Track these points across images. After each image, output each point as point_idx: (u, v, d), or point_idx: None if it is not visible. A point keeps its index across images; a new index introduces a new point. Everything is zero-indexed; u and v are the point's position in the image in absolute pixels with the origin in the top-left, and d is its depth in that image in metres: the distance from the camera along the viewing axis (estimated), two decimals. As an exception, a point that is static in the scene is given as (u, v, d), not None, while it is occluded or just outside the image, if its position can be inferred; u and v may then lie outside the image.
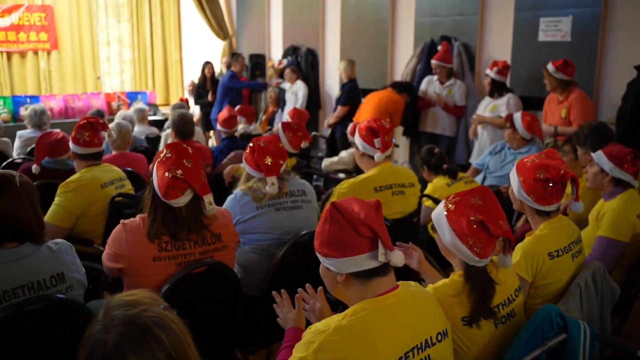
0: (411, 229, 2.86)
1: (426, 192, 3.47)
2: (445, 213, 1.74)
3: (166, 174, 2.01)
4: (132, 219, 2.14)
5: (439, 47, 5.73)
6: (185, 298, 2.12)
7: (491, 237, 1.66)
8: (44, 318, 1.78)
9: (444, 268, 2.31)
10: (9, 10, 9.18)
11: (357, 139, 2.82)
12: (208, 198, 2.11)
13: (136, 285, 2.08)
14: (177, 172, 2.01)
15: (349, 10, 7.20)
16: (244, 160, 2.64)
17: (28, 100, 7.69)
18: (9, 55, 9.36)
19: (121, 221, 2.13)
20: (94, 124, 3.24)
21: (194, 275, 2.12)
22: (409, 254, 2.16)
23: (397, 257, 1.43)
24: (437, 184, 3.51)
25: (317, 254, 1.53)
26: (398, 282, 1.54)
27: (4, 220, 1.84)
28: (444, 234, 1.74)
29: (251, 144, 2.59)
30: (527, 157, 2.21)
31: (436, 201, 3.15)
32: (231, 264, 2.31)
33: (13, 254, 1.84)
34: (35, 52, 9.57)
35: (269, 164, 2.50)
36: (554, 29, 5.19)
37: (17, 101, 7.70)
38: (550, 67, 4.42)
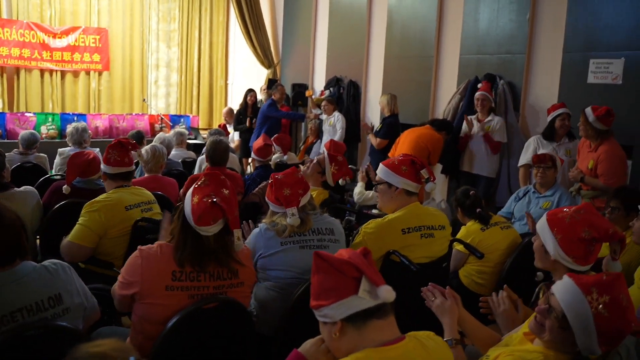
0: (440, 275, 2.69)
1: (458, 235, 3.30)
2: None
3: (204, 199, 1.98)
4: (149, 245, 2.09)
5: (479, 85, 5.59)
6: (194, 333, 2.03)
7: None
8: (41, 344, 1.72)
9: (480, 320, 2.14)
10: (67, 32, 9.55)
11: (392, 176, 2.68)
12: (237, 233, 2.06)
13: (146, 315, 2.02)
14: (217, 199, 1.98)
15: (394, 43, 7.15)
16: (266, 198, 2.57)
17: (75, 118, 7.90)
18: (63, 74, 9.69)
19: (138, 247, 2.08)
20: (124, 144, 3.25)
21: (205, 310, 2.03)
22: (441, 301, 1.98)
23: (385, 292, 1.35)
24: (470, 227, 3.34)
25: (314, 312, 1.45)
26: (405, 334, 1.45)
27: (15, 238, 1.83)
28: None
29: (270, 180, 2.54)
30: (559, 211, 1.99)
31: (468, 246, 2.98)
32: (246, 302, 2.21)
33: (11, 274, 1.80)
34: (88, 72, 9.89)
35: (287, 195, 2.45)
36: (605, 71, 4.98)
37: (65, 118, 7.92)
38: (589, 113, 4.16)
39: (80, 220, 2.99)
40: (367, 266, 1.38)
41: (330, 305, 1.37)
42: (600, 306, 1.47)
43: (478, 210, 3.38)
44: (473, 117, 5.61)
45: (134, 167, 3.29)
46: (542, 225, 2.01)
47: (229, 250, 2.07)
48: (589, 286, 1.49)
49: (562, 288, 1.55)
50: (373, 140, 6.31)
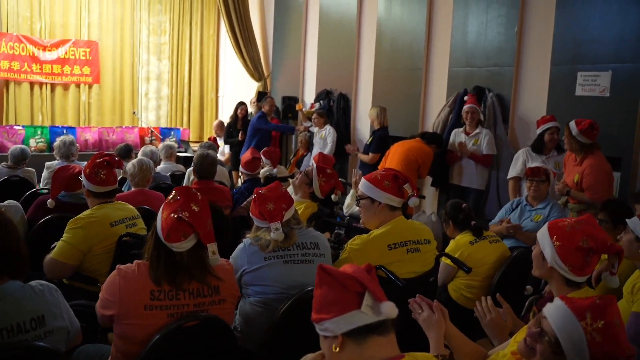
0: (427, 290, 2.67)
1: (447, 249, 3.28)
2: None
3: (172, 215, 1.94)
4: (128, 264, 2.06)
5: (466, 98, 5.61)
6: (176, 352, 2.00)
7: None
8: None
9: (468, 335, 2.12)
10: (57, 45, 9.53)
11: (374, 191, 2.66)
12: (212, 247, 2.02)
13: (125, 335, 1.99)
14: (184, 214, 1.94)
15: (383, 56, 7.18)
16: (250, 213, 2.55)
17: (64, 131, 7.84)
18: (53, 87, 9.66)
19: (117, 266, 2.05)
20: (110, 162, 3.20)
21: (186, 329, 1.99)
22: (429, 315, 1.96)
23: (388, 308, 1.35)
24: (459, 241, 3.32)
25: (315, 325, 1.45)
26: (404, 353, 1.43)
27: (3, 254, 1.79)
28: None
29: (254, 194, 2.53)
30: (561, 220, 2.02)
31: (455, 261, 2.96)
32: (229, 319, 2.18)
33: None
34: (78, 85, 9.87)
35: (271, 209, 2.43)
36: (592, 84, 5.01)
37: (54, 131, 7.87)
38: (573, 127, 4.16)
39: (64, 237, 2.94)
40: (370, 282, 1.37)
41: (332, 319, 1.37)
42: (595, 332, 1.44)
43: (473, 223, 3.37)
44: (460, 129, 5.61)
45: (117, 185, 3.25)
46: (542, 233, 2.02)
47: (205, 265, 2.03)
48: (583, 310, 1.46)
49: (555, 312, 1.52)
50: (364, 157, 6.31)
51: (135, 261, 2.06)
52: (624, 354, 1.45)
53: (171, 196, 2.03)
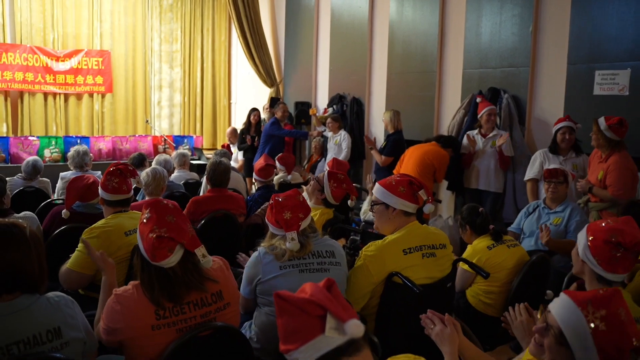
0: (444, 296, 2.64)
1: (464, 255, 3.25)
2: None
3: (150, 235, 1.92)
4: (125, 287, 2.03)
5: (478, 101, 5.56)
6: (190, 364, 1.98)
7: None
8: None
9: (485, 344, 2.10)
10: (70, 55, 9.66)
11: (389, 197, 2.64)
12: (200, 251, 1.99)
13: (137, 356, 1.98)
14: (161, 230, 1.91)
15: (396, 59, 7.16)
16: (266, 219, 2.54)
17: (78, 141, 7.93)
18: (66, 97, 9.78)
19: (114, 291, 2.02)
20: (123, 170, 3.23)
21: (199, 340, 1.99)
22: (440, 328, 1.94)
23: (353, 327, 1.25)
24: (477, 246, 3.28)
25: (285, 356, 1.36)
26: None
27: (13, 271, 1.80)
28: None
29: (271, 201, 2.52)
30: (604, 220, 2.08)
31: (473, 266, 2.92)
32: (235, 321, 2.17)
33: (9, 306, 1.77)
34: (91, 95, 9.98)
35: (288, 218, 2.42)
36: (611, 83, 4.95)
37: (69, 141, 7.95)
38: (602, 122, 4.14)
39: (79, 246, 2.95)
40: (331, 301, 1.28)
41: (298, 349, 1.27)
42: (597, 320, 1.46)
43: (492, 227, 3.34)
44: (474, 132, 5.56)
45: (132, 193, 3.27)
46: (582, 231, 2.11)
47: (200, 272, 2.02)
48: (585, 301, 1.49)
49: (559, 304, 1.55)
50: (377, 157, 6.28)
51: (130, 282, 2.03)
52: (630, 344, 1.44)
53: (144, 215, 2.00)
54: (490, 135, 5.43)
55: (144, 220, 1.98)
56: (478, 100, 5.59)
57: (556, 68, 5.38)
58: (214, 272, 2.09)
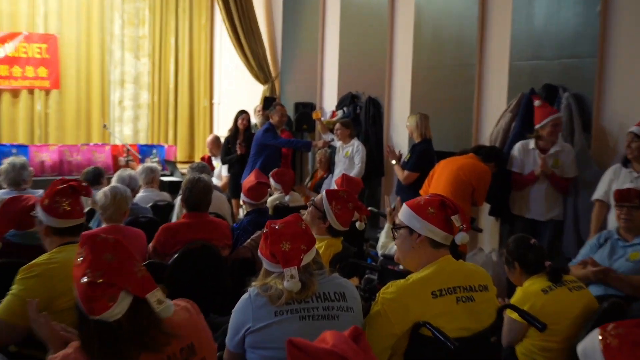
0: (487, 354, 2.64)
1: (514, 299, 3.25)
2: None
3: (82, 280, 1.85)
4: (65, 351, 1.97)
5: (537, 103, 5.50)
6: None
7: None
8: None
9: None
10: (4, 39, 9.71)
11: (414, 219, 2.65)
12: (154, 295, 1.92)
13: None
14: (95, 274, 1.85)
15: (424, 50, 7.22)
16: (258, 252, 2.56)
17: (14, 150, 7.98)
18: (-1, 93, 9.86)
19: (47, 359, 2.00)
20: (76, 188, 3.22)
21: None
22: None
23: None
24: (529, 288, 3.28)
25: None
26: None
27: None
28: None
29: (265, 229, 2.51)
30: None
31: (525, 315, 2.91)
32: None
33: None
34: (31, 91, 10.07)
35: (287, 250, 2.42)
36: None
37: (1, 151, 7.99)
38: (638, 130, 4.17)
39: (13, 288, 2.92)
40: (358, 354, 1.32)
41: None
42: (611, 337, 1.62)
43: (548, 264, 3.33)
44: (530, 143, 5.46)
45: (84, 218, 3.27)
46: None
47: (156, 324, 1.94)
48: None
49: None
50: (399, 172, 6.30)
51: (71, 344, 1.99)
52: None
53: (78, 254, 1.94)
54: (552, 150, 5.37)
55: (78, 261, 1.93)
56: (536, 103, 5.51)
57: (633, 59, 5.38)
58: (178, 321, 2.05)
